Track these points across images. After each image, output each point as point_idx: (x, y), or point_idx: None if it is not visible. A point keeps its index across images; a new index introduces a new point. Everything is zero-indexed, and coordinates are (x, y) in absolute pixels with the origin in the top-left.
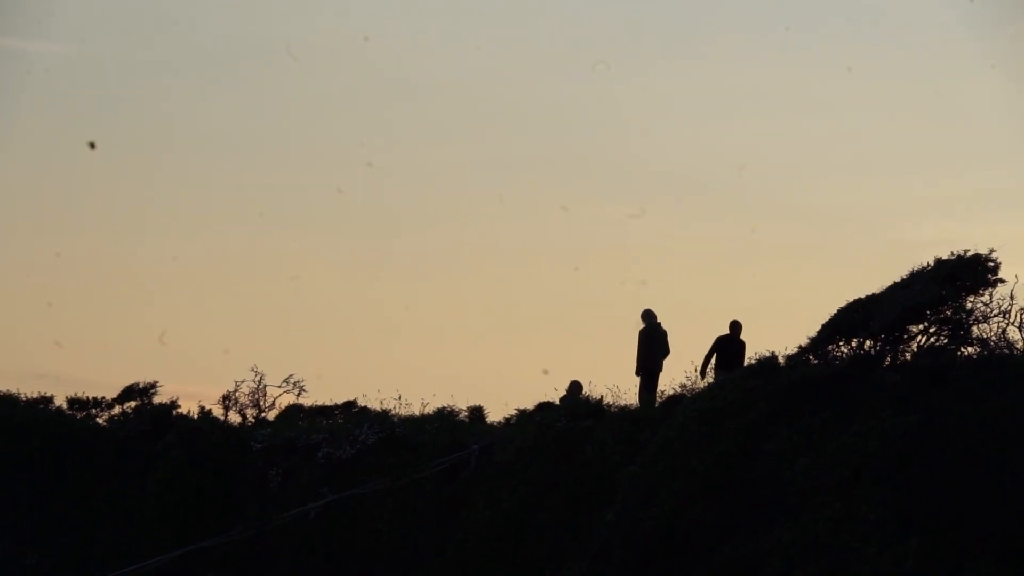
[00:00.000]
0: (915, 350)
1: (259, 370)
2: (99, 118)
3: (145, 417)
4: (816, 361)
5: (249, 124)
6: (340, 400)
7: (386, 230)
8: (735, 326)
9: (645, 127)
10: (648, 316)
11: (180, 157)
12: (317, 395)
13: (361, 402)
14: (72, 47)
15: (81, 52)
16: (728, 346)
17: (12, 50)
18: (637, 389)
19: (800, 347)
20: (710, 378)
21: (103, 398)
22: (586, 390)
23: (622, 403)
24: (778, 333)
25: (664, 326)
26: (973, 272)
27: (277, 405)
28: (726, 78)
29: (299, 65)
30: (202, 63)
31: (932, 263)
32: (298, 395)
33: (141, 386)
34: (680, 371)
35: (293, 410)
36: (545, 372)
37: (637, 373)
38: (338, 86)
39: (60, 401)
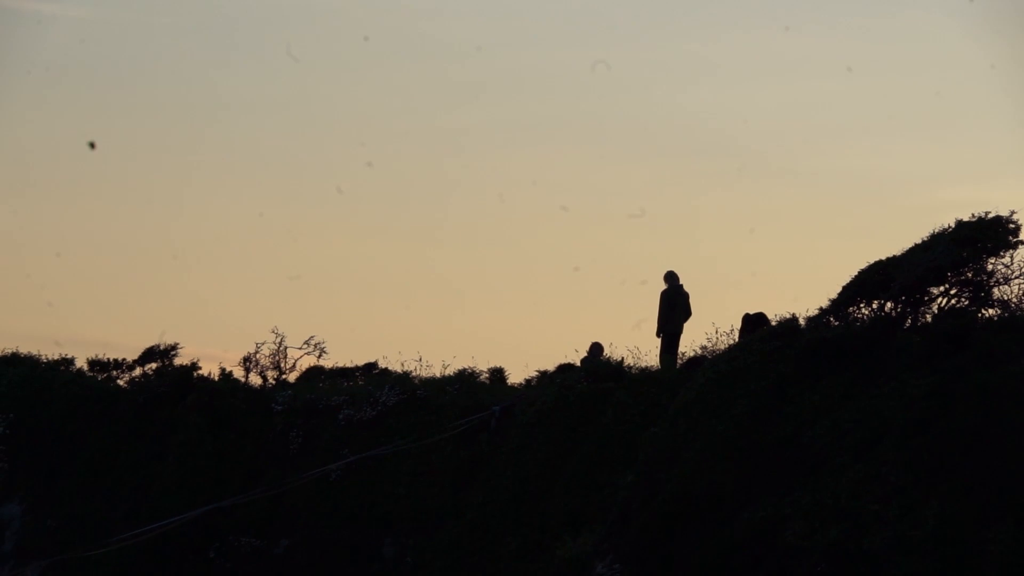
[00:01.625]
0: (936, 312)
1: (280, 332)
2: (101, 115)
3: (166, 379)
4: (837, 323)
5: (250, 123)
6: (361, 362)
7: (405, 197)
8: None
9: (662, 90)
10: (671, 277)
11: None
12: (338, 357)
13: (382, 364)
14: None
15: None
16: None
17: (28, 12)
18: (658, 351)
19: (821, 309)
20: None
21: (124, 360)
22: (607, 352)
23: (643, 365)
24: (799, 295)
25: (686, 288)
26: (994, 234)
27: (298, 367)
28: (738, 46)
29: (299, 65)
30: (202, 63)
31: (953, 225)
32: (319, 357)
33: (162, 348)
34: (701, 333)
35: (314, 372)
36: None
37: (658, 334)
38: (338, 86)
39: (81, 363)
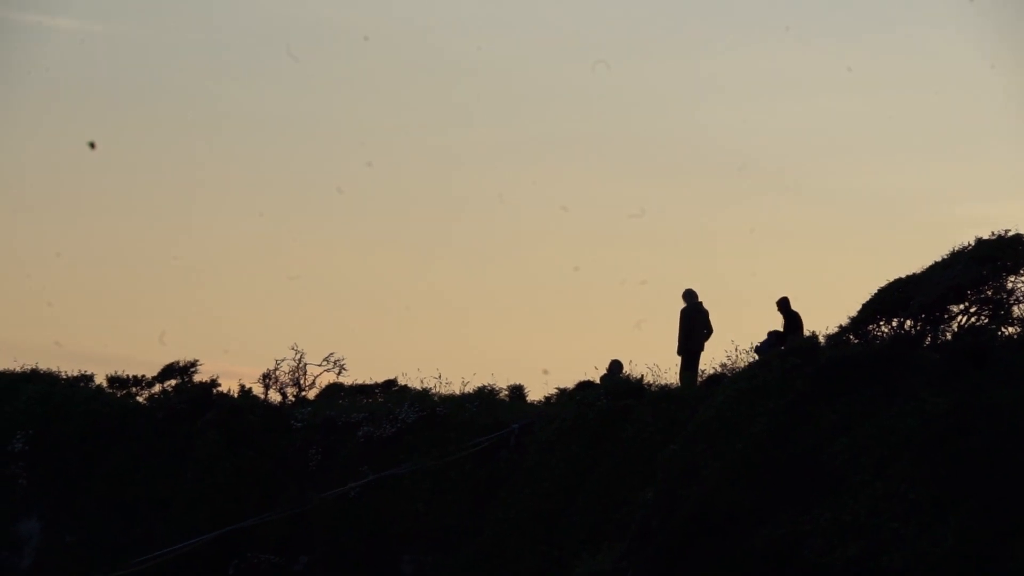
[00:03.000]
0: (955, 330)
1: (299, 349)
2: (103, 112)
3: (185, 396)
4: (856, 341)
5: (249, 124)
6: (380, 379)
7: (422, 211)
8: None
9: (673, 112)
10: (689, 296)
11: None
12: (357, 374)
13: (401, 381)
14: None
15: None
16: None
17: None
18: (678, 368)
19: (840, 327)
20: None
21: (143, 377)
22: (626, 369)
23: (662, 382)
24: (819, 313)
25: (705, 305)
26: (1014, 252)
27: (317, 384)
28: (754, 63)
29: (299, 65)
30: (202, 63)
31: (973, 243)
32: (338, 374)
33: (181, 364)
34: (721, 350)
35: (333, 389)
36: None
37: (679, 352)
38: (338, 86)
39: (100, 379)
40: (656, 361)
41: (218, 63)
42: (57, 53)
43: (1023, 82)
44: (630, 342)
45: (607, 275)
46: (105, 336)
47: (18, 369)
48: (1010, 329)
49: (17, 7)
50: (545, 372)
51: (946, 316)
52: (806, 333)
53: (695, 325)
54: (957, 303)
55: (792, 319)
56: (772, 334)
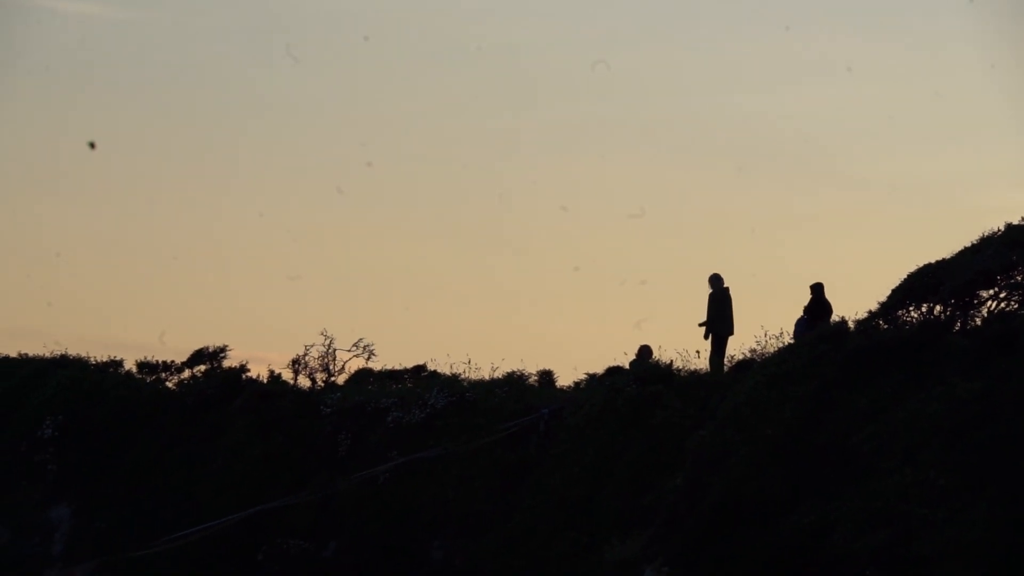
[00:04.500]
0: (985, 316)
1: (329, 334)
2: (102, 114)
3: (214, 381)
4: (886, 326)
5: (249, 123)
6: (410, 364)
7: (451, 197)
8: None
9: (686, 98)
10: (715, 280)
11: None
12: (386, 359)
13: (430, 366)
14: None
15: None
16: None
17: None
18: (707, 354)
19: (870, 312)
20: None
21: (173, 362)
22: (655, 355)
23: (692, 368)
24: (849, 298)
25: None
26: None
27: (347, 369)
28: (780, 47)
29: (299, 65)
30: (202, 62)
31: (1002, 228)
32: (368, 359)
33: (211, 350)
34: (750, 336)
35: (363, 374)
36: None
37: (706, 336)
38: (338, 86)
39: (130, 365)
40: (685, 347)
41: (218, 63)
42: (58, 52)
43: (1005, 66)
44: (659, 328)
45: (617, 269)
46: (136, 324)
47: (48, 355)
48: None
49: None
50: (575, 369)
51: (975, 302)
52: (836, 319)
53: (724, 309)
54: (987, 289)
55: (822, 306)
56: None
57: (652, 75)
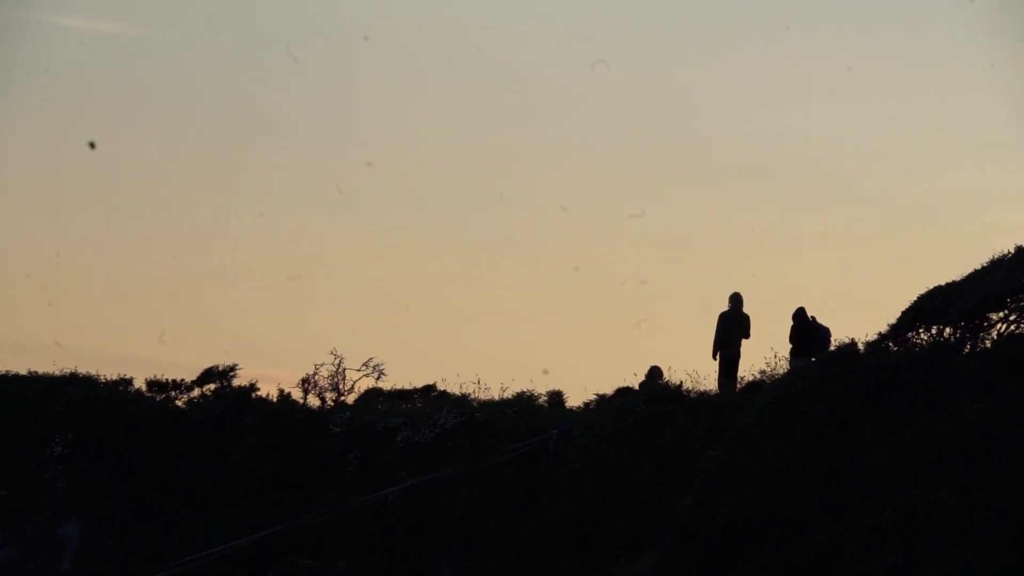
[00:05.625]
0: (995, 338)
1: (338, 353)
2: (103, 114)
3: (224, 400)
4: (895, 348)
5: (249, 124)
6: (419, 384)
7: (461, 213)
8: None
9: (712, 114)
10: (735, 300)
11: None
12: (396, 379)
13: (440, 386)
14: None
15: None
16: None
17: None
18: (716, 375)
19: (880, 334)
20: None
21: (182, 380)
22: (665, 375)
23: (701, 389)
24: (858, 320)
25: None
26: None
27: (356, 389)
28: (784, 67)
29: (299, 65)
30: (202, 62)
31: (1013, 250)
32: (377, 379)
33: (220, 369)
34: (759, 357)
35: (372, 394)
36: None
37: (713, 356)
38: (338, 86)
39: (139, 383)
40: (695, 367)
41: (218, 63)
42: (58, 52)
43: (1005, 66)
44: (669, 349)
45: (623, 273)
46: (145, 339)
47: (57, 373)
48: None
49: (21, 5)
50: (585, 389)
51: (985, 324)
52: (845, 341)
53: (732, 330)
54: (997, 311)
55: (806, 330)
56: (654, 369)
57: (653, 82)
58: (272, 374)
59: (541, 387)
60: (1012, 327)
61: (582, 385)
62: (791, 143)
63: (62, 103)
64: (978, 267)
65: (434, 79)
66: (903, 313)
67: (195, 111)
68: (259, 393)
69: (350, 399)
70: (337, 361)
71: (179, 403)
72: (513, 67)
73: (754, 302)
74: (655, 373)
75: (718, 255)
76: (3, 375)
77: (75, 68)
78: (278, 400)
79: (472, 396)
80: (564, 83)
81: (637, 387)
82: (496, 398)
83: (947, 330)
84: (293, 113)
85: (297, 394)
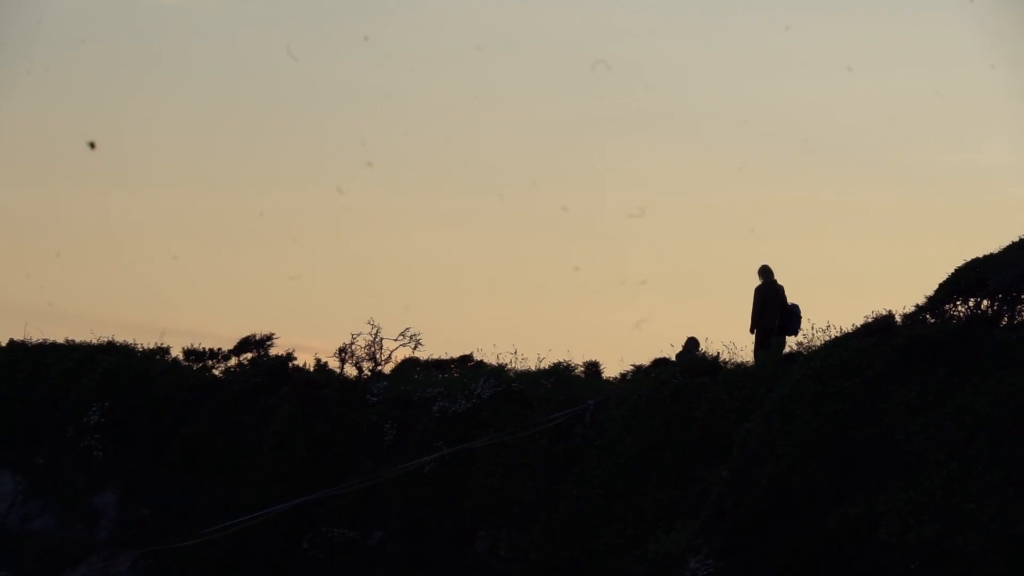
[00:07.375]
0: None
1: (375, 323)
2: (103, 115)
3: (261, 369)
4: (933, 320)
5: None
6: (456, 354)
7: (495, 187)
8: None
9: (740, 84)
10: (765, 272)
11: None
12: (433, 349)
13: (477, 356)
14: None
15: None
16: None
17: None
18: (752, 346)
19: (917, 306)
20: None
21: (219, 350)
22: (702, 347)
23: (738, 360)
24: (896, 292)
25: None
26: None
27: (393, 358)
28: (782, 43)
29: (299, 65)
30: (202, 62)
31: None
32: (414, 349)
33: (257, 338)
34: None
35: (409, 364)
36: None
37: (751, 330)
38: (338, 86)
39: (176, 352)
40: (732, 339)
41: (218, 63)
42: (58, 52)
43: (1005, 66)
44: (706, 319)
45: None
46: (182, 309)
47: (94, 341)
48: None
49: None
50: (622, 360)
51: (1023, 297)
52: (882, 312)
53: (769, 303)
54: None
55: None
56: (691, 340)
57: (658, 69)
58: (309, 343)
59: (578, 358)
60: None
61: (619, 356)
62: (823, 116)
63: (61, 101)
64: (1016, 239)
65: (434, 79)
66: (941, 285)
67: (194, 111)
68: (296, 363)
69: (387, 369)
70: (374, 331)
71: (216, 372)
72: (513, 67)
73: (785, 278)
74: (691, 344)
75: (749, 228)
76: (40, 344)
77: (73, 66)
78: (315, 370)
79: (508, 366)
80: (565, 82)
81: (673, 358)
82: (533, 368)
83: (984, 303)
84: (293, 113)
85: (334, 364)
